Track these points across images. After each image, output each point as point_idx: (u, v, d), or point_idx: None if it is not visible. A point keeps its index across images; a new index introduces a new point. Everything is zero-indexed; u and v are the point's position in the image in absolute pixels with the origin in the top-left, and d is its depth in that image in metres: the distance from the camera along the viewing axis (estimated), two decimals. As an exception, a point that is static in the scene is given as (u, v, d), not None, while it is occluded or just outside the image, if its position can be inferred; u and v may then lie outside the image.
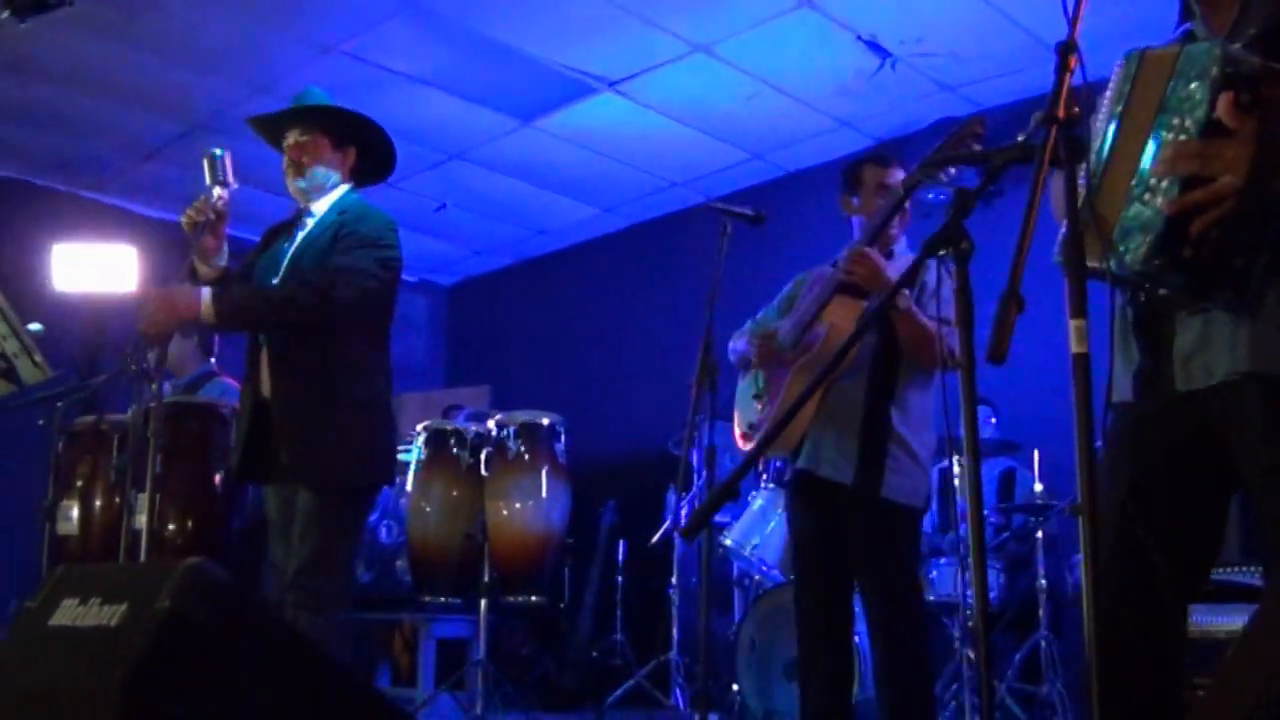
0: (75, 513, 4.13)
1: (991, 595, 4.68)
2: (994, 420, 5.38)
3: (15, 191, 6.91)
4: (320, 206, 3.33)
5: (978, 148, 3.03)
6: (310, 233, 3.29)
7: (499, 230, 8.23)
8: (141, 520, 3.03)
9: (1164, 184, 1.70)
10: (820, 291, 3.37)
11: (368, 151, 3.45)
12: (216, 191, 3.12)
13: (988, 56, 5.76)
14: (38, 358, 2.86)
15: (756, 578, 5.09)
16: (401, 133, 6.50)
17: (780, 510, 4.90)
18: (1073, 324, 1.50)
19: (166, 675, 1.73)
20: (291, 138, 3.34)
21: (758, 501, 4.96)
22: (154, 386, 3.14)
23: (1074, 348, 1.51)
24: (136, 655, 1.72)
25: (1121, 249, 1.70)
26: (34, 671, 1.95)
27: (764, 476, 5.09)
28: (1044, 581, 4.67)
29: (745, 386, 3.62)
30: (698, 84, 6.05)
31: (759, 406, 3.51)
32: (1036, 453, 4.90)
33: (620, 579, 6.43)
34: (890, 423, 3.28)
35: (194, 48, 5.64)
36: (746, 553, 4.94)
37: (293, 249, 3.29)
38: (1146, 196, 1.71)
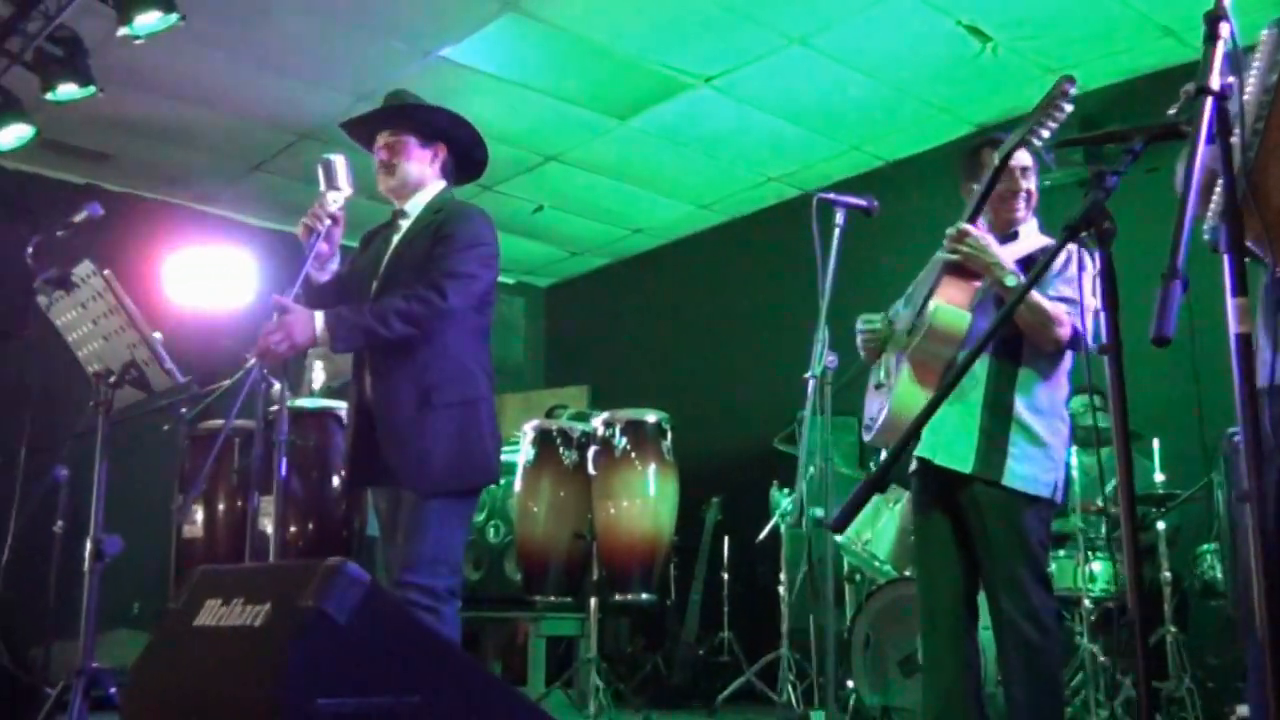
0: (200, 516, 4.24)
1: (1112, 589, 4.55)
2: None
3: (128, 206, 7.11)
4: (414, 206, 3.33)
5: (1069, 107, 2.99)
6: (406, 234, 3.30)
7: (595, 230, 8.26)
8: (266, 523, 3.07)
9: None
10: (930, 274, 3.29)
11: (457, 148, 3.43)
12: (331, 196, 3.14)
13: (1092, 36, 5.61)
14: (167, 365, 2.92)
15: (868, 573, 5.02)
16: (499, 136, 6.64)
17: (891, 505, 4.84)
18: (1234, 302, 1.44)
19: (312, 674, 1.75)
20: (381, 139, 3.35)
21: (869, 496, 4.89)
22: (274, 392, 3.19)
23: (1235, 327, 1.44)
24: (282, 655, 1.75)
25: None
26: (182, 672, 1.99)
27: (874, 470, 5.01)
28: (1168, 574, 4.53)
29: (871, 378, 3.56)
30: (793, 76, 6.00)
31: (881, 397, 3.45)
32: (1156, 441, 4.74)
33: (726, 576, 6.40)
34: (1013, 407, 3.16)
35: (300, 59, 5.76)
36: (857, 548, 4.88)
37: (390, 251, 3.30)
38: None
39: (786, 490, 6.08)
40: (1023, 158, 3.31)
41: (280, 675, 1.73)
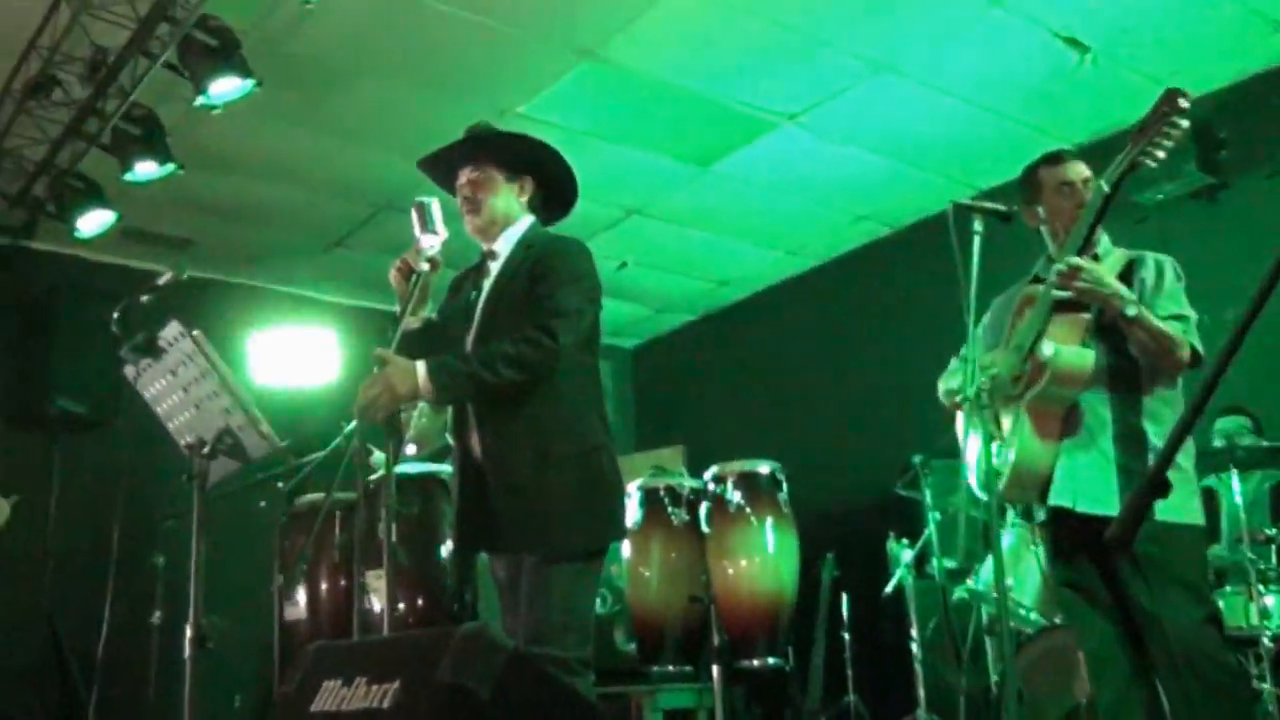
0: (302, 596, 4.01)
1: (1287, 625, 4.12)
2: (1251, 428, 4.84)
3: (207, 290, 7.01)
4: (503, 245, 3.13)
5: (1184, 123, 2.80)
6: (499, 276, 3.09)
7: (681, 285, 8.04)
8: (378, 598, 2.84)
9: None
10: (1036, 313, 3.08)
11: (545, 180, 3.24)
12: (427, 240, 2.97)
13: (1197, 38, 5.30)
14: (264, 428, 2.73)
15: (1013, 623, 4.63)
16: (580, 191, 6.47)
17: (1032, 547, 4.48)
18: None
19: (455, 759, 1.49)
20: (463, 176, 3.17)
21: (1007, 539, 4.54)
22: (372, 460, 2.99)
23: None
24: (421, 738, 1.49)
25: None
26: (302, 764, 1.74)
27: (1011, 513, 4.65)
28: (1329, 602, 4.10)
29: (971, 430, 3.30)
30: (881, 106, 5.76)
31: (995, 446, 3.18)
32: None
33: (846, 636, 6.03)
34: (1146, 438, 2.96)
35: (374, 127, 5.66)
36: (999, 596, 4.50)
37: (484, 296, 3.10)
38: None
39: (905, 541, 5.75)
40: (1081, 169, 3.16)
41: (419, 763, 1.47)
